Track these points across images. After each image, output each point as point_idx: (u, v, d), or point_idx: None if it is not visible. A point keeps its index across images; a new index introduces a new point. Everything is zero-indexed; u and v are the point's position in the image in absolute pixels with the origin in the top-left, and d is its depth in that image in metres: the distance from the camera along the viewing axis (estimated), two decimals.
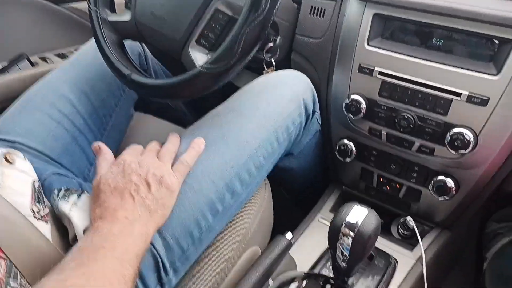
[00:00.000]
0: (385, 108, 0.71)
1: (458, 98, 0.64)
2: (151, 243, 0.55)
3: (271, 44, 0.80)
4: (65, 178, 0.60)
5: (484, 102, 0.62)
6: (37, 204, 0.49)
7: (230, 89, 0.76)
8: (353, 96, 0.73)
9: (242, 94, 0.72)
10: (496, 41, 0.61)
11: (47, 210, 0.50)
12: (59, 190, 0.54)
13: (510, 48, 0.60)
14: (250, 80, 0.76)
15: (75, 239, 0.50)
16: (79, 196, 0.54)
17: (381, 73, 0.70)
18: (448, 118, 0.66)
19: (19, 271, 0.43)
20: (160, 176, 0.53)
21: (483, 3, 0.61)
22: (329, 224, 0.57)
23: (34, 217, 0.48)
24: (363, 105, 0.72)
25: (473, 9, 0.61)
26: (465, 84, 0.63)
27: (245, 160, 0.66)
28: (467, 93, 0.63)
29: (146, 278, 0.54)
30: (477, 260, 1.00)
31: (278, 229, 0.69)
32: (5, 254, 0.42)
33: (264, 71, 0.82)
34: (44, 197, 0.52)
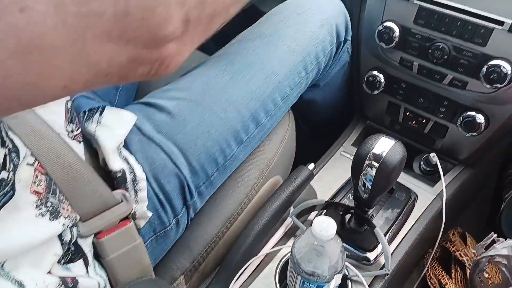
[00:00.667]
0: (419, 37, 0.68)
1: (500, 27, 0.61)
2: (178, 167, 0.55)
3: None
4: (92, 101, 0.59)
5: None
6: (71, 123, 0.49)
7: (254, 15, 0.73)
8: (387, 23, 0.69)
9: (269, 18, 0.69)
10: None
11: (79, 131, 0.50)
12: (84, 112, 0.54)
13: None
14: (277, 4, 0.72)
15: (104, 161, 0.50)
16: (101, 112, 0.53)
17: None
18: (487, 49, 0.63)
19: (58, 187, 0.43)
20: None
21: None
22: (351, 157, 0.57)
23: (68, 136, 0.47)
24: (396, 33, 0.69)
25: None
26: (509, 11, 0.60)
27: (271, 90, 0.64)
28: (510, 21, 0.60)
29: (173, 200, 0.56)
30: (494, 201, 1.01)
31: (299, 162, 0.69)
32: (45, 170, 0.42)
33: None
34: (76, 118, 0.51)
